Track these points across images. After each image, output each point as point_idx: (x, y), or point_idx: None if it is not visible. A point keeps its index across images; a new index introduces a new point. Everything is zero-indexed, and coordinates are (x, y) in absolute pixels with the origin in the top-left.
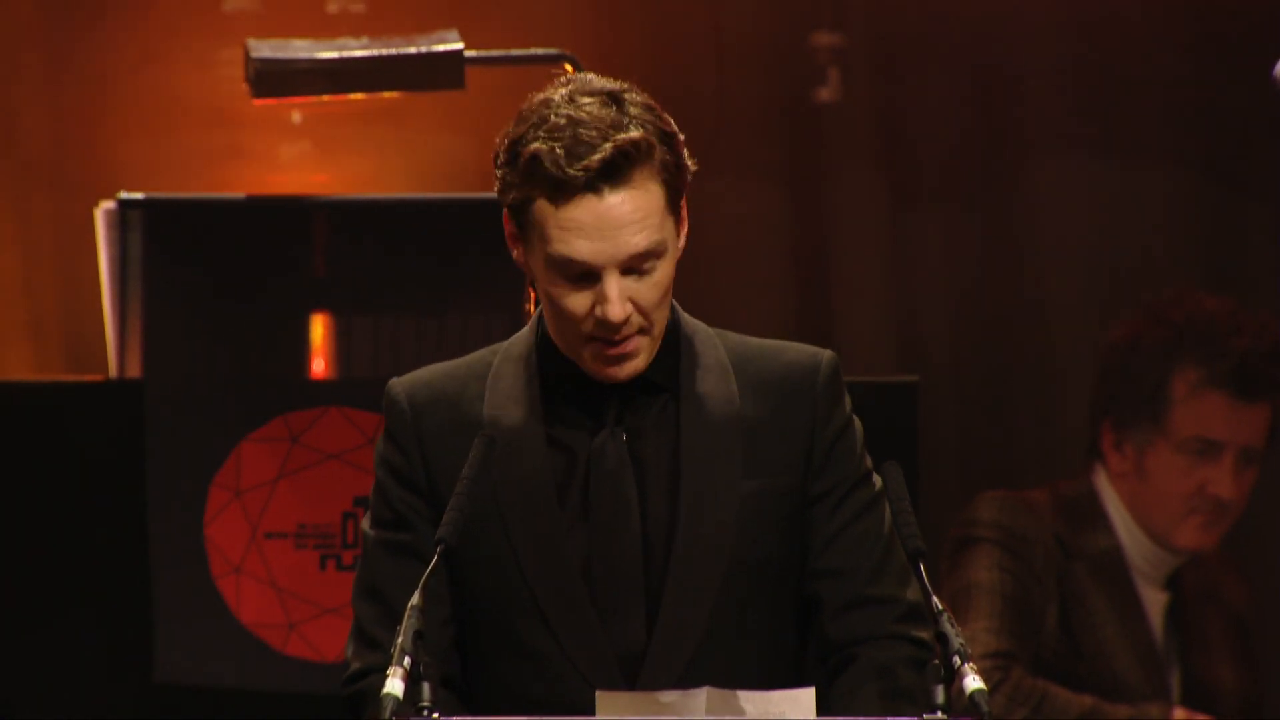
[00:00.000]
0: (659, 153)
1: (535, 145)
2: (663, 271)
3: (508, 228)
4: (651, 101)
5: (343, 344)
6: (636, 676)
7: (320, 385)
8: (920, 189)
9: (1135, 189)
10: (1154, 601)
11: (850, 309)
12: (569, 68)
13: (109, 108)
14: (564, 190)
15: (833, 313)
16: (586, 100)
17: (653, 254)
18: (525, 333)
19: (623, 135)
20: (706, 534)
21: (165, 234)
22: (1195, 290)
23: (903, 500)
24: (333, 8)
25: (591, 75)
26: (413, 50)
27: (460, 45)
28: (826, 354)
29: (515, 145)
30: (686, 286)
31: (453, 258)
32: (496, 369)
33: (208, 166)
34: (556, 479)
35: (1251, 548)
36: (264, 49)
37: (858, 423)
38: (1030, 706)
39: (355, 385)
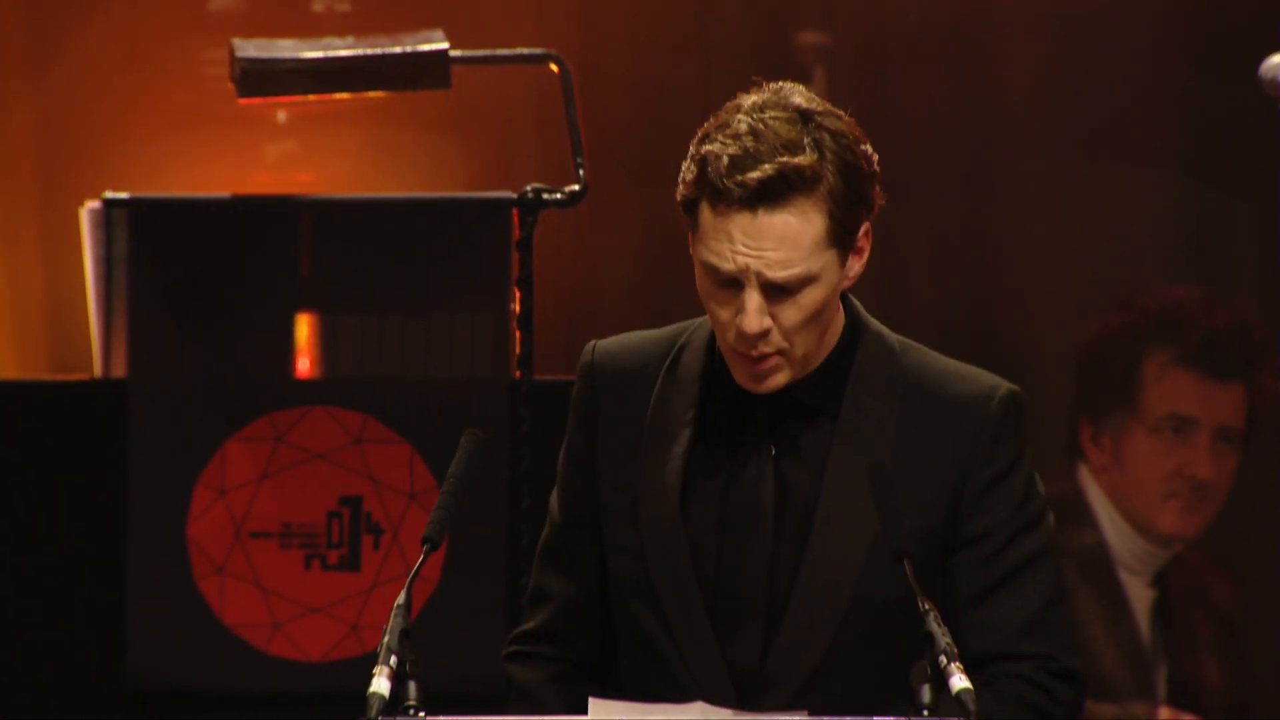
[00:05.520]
0: (829, 183)
1: (708, 147)
2: (811, 298)
3: (686, 218)
4: (850, 130)
5: (328, 343)
6: (747, 693)
7: (305, 385)
8: (905, 187)
9: (1119, 186)
10: (1141, 599)
11: None
12: (554, 67)
13: (94, 107)
14: (722, 200)
15: None
16: (774, 114)
17: (801, 284)
18: (709, 323)
19: (790, 159)
20: (833, 567)
21: (150, 233)
22: (1167, 284)
23: (889, 501)
24: (318, 7)
25: (797, 88)
26: (398, 50)
27: (446, 45)
28: (1004, 388)
29: (699, 143)
30: (676, 286)
31: (438, 258)
32: (675, 357)
33: (193, 166)
34: (699, 482)
35: (1238, 546)
36: (249, 48)
37: (1027, 465)
38: None
39: (340, 385)
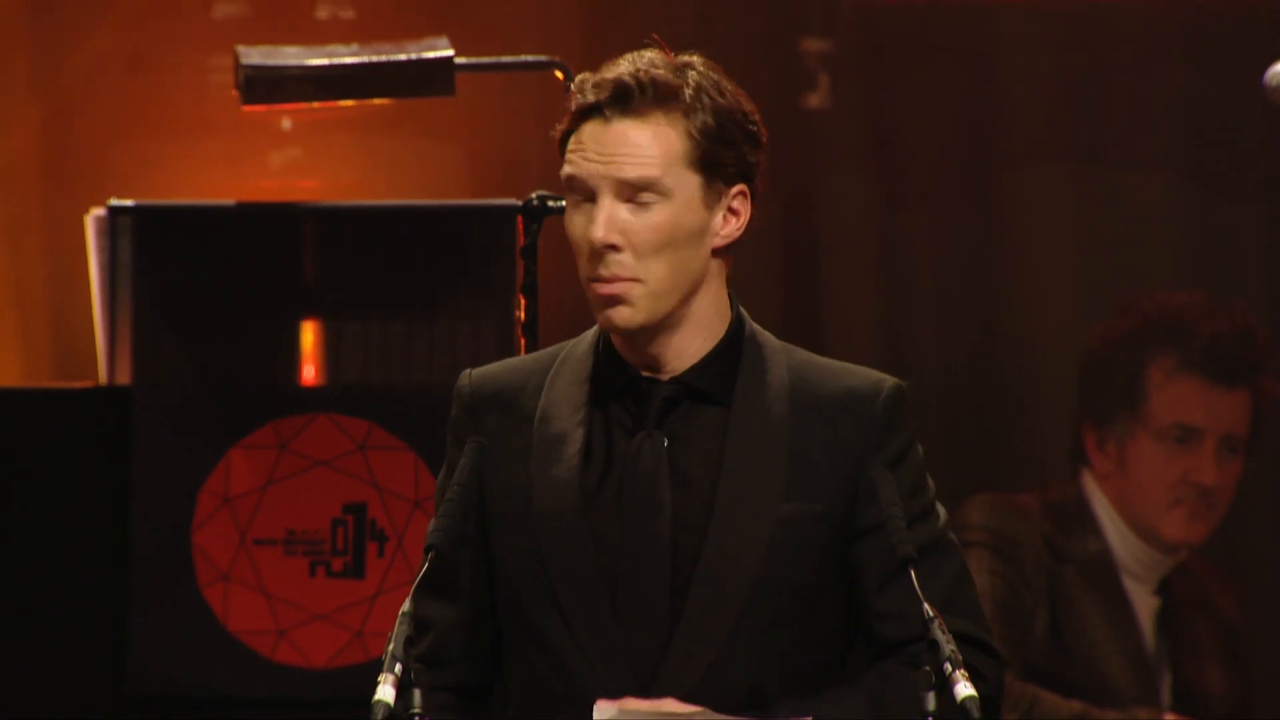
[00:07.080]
0: (695, 115)
1: (581, 76)
2: (662, 216)
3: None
4: (735, 92)
5: (332, 350)
6: (651, 681)
7: (310, 392)
8: (909, 194)
9: (1122, 192)
10: (1145, 606)
11: (839, 313)
12: (559, 74)
13: (99, 114)
14: (581, 114)
15: (821, 317)
16: (658, 58)
17: (648, 188)
18: (593, 330)
19: (654, 70)
20: (734, 552)
21: (155, 240)
22: (1170, 289)
23: (894, 506)
24: (323, 14)
25: (705, 61)
26: (403, 57)
27: (450, 52)
28: (890, 381)
29: None
30: None
31: (442, 265)
32: (558, 366)
33: (198, 173)
34: (593, 477)
35: (1241, 553)
36: (254, 55)
37: (918, 455)
38: (1020, 711)
39: (345, 392)
